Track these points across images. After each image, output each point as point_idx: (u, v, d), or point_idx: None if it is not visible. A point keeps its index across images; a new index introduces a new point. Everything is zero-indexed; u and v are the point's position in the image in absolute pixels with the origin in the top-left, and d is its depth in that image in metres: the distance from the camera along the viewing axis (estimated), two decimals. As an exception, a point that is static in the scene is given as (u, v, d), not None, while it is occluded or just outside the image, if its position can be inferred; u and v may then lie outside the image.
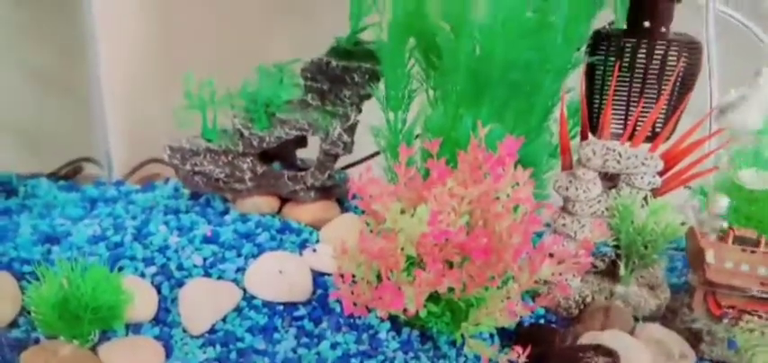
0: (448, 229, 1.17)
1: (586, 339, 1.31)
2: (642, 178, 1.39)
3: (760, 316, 1.33)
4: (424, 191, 1.24)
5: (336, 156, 1.54)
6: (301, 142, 1.64)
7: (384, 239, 1.21)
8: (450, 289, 1.24)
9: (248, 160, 1.56)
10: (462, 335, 1.30)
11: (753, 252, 1.29)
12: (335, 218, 1.54)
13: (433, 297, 1.28)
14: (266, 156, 1.62)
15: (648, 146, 1.44)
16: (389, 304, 1.19)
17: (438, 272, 1.15)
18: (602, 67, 1.51)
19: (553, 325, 1.41)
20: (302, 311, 1.36)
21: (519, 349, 1.20)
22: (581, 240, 1.42)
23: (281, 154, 1.64)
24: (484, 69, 1.32)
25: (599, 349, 1.26)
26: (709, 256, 1.29)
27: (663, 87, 1.49)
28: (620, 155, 1.37)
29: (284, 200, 1.62)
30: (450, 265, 1.25)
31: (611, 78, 1.49)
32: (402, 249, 1.23)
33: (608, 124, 1.41)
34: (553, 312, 1.44)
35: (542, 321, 1.43)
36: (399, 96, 1.43)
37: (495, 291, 1.23)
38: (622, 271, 1.43)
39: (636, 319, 1.43)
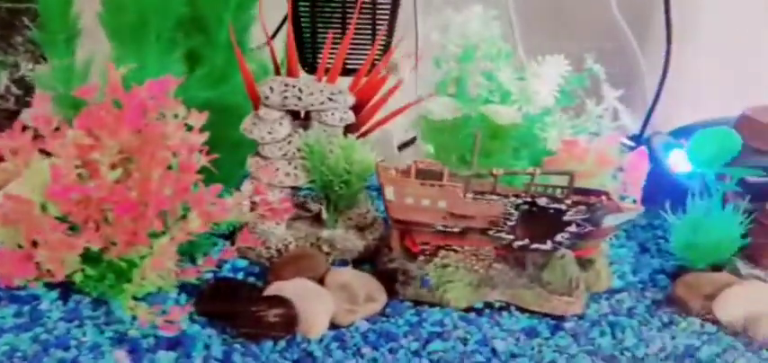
0: (73, 184, 1.05)
1: (272, 290, 1.23)
2: (333, 114, 1.32)
3: (456, 251, 1.30)
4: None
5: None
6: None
7: (12, 200, 1.08)
8: (106, 249, 1.14)
9: None
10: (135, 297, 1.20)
11: (433, 185, 1.25)
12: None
13: (93, 259, 1.17)
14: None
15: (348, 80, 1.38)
16: (17, 272, 1.06)
17: (60, 233, 1.03)
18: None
19: (250, 278, 1.33)
20: (-47, 286, 1.22)
21: (176, 309, 1.11)
22: (278, 184, 1.35)
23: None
24: (141, 4, 1.19)
25: (273, 301, 1.19)
26: (389, 193, 1.23)
27: (377, 19, 1.43)
28: (301, 91, 1.28)
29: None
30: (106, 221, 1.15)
31: (321, 10, 1.41)
32: (44, 208, 1.12)
33: (294, 62, 1.32)
34: (255, 262, 1.37)
35: (242, 273, 1.35)
36: (58, 40, 1.28)
37: (151, 249, 1.13)
38: (325, 215, 1.36)
39: (345, 262, 1.38)
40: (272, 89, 1.26)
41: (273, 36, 1.49)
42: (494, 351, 1.19)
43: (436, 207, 1.24)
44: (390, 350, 1.18)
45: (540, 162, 1.39)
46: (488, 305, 1.30)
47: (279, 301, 1.18)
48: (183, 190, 1.11)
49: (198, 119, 1.19)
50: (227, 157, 1.44)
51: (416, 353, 1.18)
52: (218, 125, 1.40)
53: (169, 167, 1.17)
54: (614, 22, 1.80)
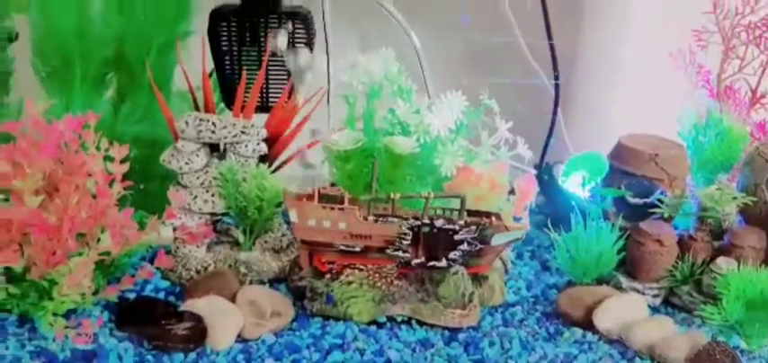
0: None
1: (185, 307, 1.29)
2: (246, 146, 1.40)
3: (360, 269, 1.37)
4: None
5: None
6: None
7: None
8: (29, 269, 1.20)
9: None
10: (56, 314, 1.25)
11: (332, 208, 1.32)
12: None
13: (18, 279, 1.23)
14: None
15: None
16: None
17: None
18: (226, 43, 1.51)
19: (170, 297, 1.38)
20: None
21: (87, 322, 1.18)
22: (197, 210, 1.42)
23: None
24: (59, 46, 1.28)
25: (184, 316, 1.25)
26: (293, 215, 1.31)
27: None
28: (215, 125, 1.36)
29: None
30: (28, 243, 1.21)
31: (236, 53, 1.50)
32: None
33: (210, 99, 1.41)
34: (176, 283, 1.42)
35: (163, 293, 1.41)
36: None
37: (67, 268, 1.20)
38: (241, 238, 1.44)
39: (262, 282, 1.45)
40: (187, 123, 1.34)
41: (211, 75, 1.57)
42: (388, 361, 1.26)
43: (337, 228, 1.31)
44: (293, 361, 1.25)
45: (441, 187, 1.47)
46: (391, 319, 1.37)
47: (189, 316, 1.25)
48: (98, 214, 1.18)
49: (119, 151, 1.28)
50: (159, 187, 1.53)
51: (317, 363, 1.26)
52: (148, 158, 1.50)
53: (93, 197, 1.25)
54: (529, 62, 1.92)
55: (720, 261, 1.38)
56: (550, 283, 1.53)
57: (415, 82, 1.55)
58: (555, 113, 1.70)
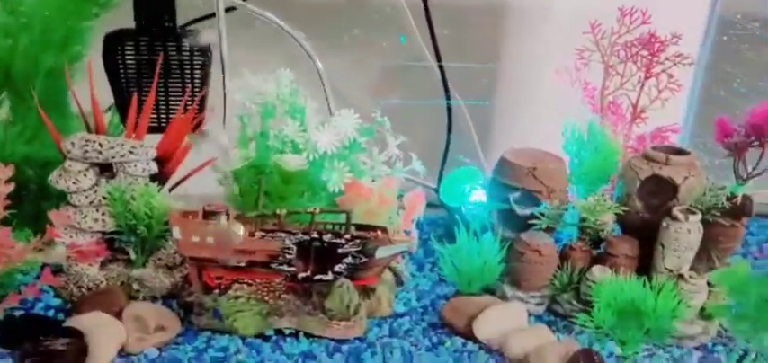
0: None
1: (69, 323, 1.28)
2: (135, 166, 1.40)
3: (249, 284, 1.38)
4: None
5: None
6: None
7: None
8: None
9: None
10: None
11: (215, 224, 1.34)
12: None
13: None
14: None
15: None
16: None
17: None
18: (121, 66, 1.51)
19: (60, 314, 1.38)
20: None
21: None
22: (87, 229, 1.41)
23: None
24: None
25: (63, 332, 1.24)
26: (176, 232, 1.32)
27: (191, 81, 1.53)
28: (101, 146, 1.36)
29: None
30: None
31: (135, 75, 1.51)
32: None
33: (100, 120, 1.41)
34: (67, 300, 1.42)
35: (53, 310, 1.40)
36: None
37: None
38: (133, 256, 1.44)
39: (155, 298, 1.45)
40: (73, 144, 1.34)
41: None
42: (269, 373, 1.28)
43: (221, 243, 1.32)
44: (174, 374, 1.26)
45: (334, 202, 1.49)
46: (280, 332, 1.38)
47: (68, 332, 1.24)
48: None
49: (3, 171, 1.27)
50: (56, 207, 1.51)
51: (198, 376, 1.26)
52: (42, 177, 1.49)
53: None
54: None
55: (595, 269, 1.41)
56: (441, 294, 1.55)
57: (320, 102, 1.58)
58: (449, 131, 1.73)
